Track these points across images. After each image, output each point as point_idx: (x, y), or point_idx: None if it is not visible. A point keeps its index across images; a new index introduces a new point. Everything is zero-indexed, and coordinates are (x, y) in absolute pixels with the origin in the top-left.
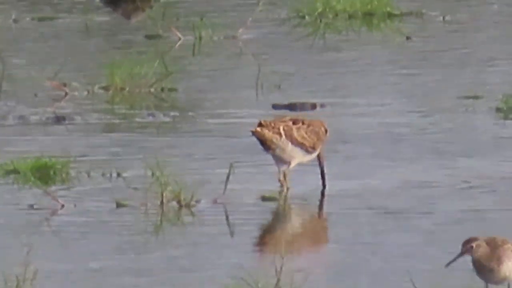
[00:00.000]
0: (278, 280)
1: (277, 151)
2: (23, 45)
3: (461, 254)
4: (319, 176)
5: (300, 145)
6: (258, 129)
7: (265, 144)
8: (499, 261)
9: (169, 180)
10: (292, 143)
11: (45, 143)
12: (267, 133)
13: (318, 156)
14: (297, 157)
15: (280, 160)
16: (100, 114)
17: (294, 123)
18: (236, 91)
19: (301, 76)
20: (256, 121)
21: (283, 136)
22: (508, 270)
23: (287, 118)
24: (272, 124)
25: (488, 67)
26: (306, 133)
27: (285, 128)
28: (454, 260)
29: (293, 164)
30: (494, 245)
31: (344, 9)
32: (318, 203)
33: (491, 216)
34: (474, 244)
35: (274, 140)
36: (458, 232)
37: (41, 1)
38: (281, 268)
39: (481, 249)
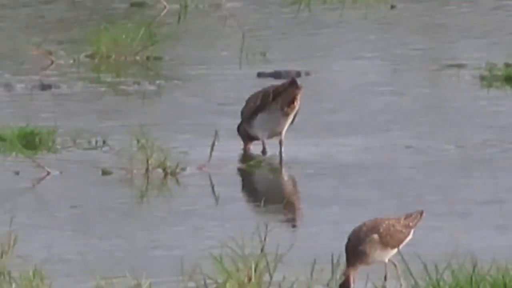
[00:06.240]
0: (263, 246)
1: (292, 113)
2: (8, 14)
3: None
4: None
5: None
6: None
7: (292, 102)
8: None
9: (154, 147)
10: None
11: (31, 111)
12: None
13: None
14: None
15: (280, 126)
16: (86, 82)
17: None
18: (221, 60)
19: (286, 45)
20: (241, 88)
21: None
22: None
23: None
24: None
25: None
26: None
27: None
28: None
29: (284, 132)
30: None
31: None
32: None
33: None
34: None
35: (299, 100)
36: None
37: None
38: (265, 235)
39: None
